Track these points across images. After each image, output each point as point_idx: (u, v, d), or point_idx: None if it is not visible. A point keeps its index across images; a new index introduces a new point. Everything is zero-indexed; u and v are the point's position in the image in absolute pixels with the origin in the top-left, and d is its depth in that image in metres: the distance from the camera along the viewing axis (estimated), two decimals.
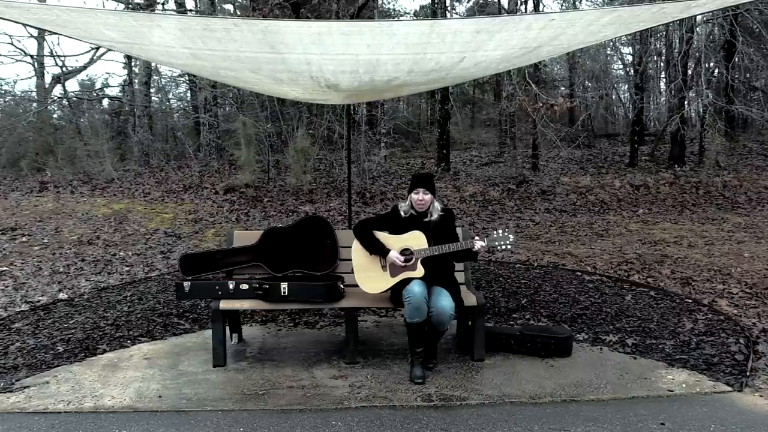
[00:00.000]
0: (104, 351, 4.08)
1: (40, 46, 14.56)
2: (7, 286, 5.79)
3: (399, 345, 4.11)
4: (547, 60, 14.27)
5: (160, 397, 3.33)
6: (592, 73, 14.73)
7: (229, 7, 17.40)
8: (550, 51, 3.72)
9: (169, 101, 17.36)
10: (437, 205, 3.78)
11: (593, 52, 13.93)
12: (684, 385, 3.40)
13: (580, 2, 16.03)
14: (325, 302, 3.80)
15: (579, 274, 6.01)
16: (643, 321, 4.53)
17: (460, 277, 4.01)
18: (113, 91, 16.39)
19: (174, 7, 13.29)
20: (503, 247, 3.62)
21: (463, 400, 3.26)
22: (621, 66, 17.89)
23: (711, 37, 12.93)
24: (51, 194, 10.77)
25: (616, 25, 3.30)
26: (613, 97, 17.65)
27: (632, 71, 14.91)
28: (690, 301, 5.01)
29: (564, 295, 5.28)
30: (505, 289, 5.52)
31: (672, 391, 3.33)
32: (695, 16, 9.96)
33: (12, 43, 16.66)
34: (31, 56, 14.41)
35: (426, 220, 3.73)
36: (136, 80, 14.63)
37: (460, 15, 18.06)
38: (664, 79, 16.48)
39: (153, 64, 14.11)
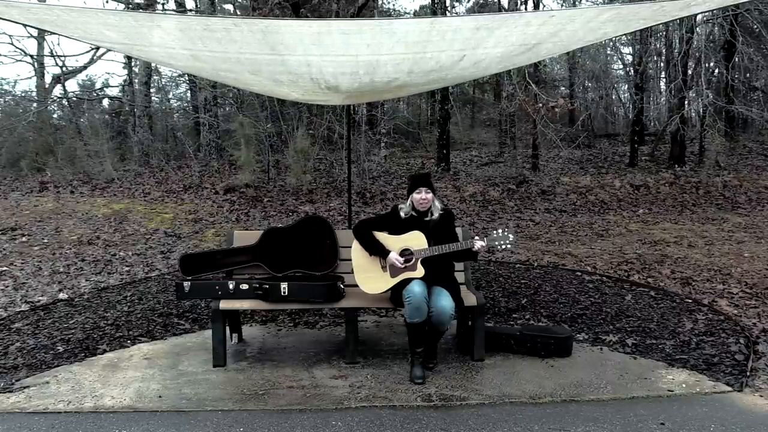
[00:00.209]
0: (104, 351, 4.08)
1: (40, 46, 14.57)
2: (7, 286, 5.79)
3: (399, 345, 4.11)
4: (547, 60, 14.26)
5: (160, 397, 3.33)
6: (592, 73, 14.73)
7: (229, 7, 17.40)
8: (550, 48, 3.72)
9: (169, 101, 17.38)
10: (438, 204, 3.78)
11: (593, 52, 13.93)
12: (684, 385, 3.40)
13: (580, 2, 16.03)
14: (325, 302, 3.80)
15: (579, 274, 6.01)
16: (643, 321, 4.53)
17: (460, 277, 4.01)
18: (113, 91, 16.43)
19: (174, 7, 13.29)
20: (503, 247, 3.63)
21: (463, 400, 3.26)
22: (621, 66, 17.92)
23: (711, 37, 12.93)
24: (51, 194, 10.77)
25: (616, 22, 3.30)
26: (613, 97, 17.66)
27: (632, 71, 14.92)
28: (690, 301, 5.01)
29: (564, 295, 5.28)
30: (505, 289, 5.52)
31: (672, 391, 3.33)
32: (695, 16, 9.98)
33: (12, 43, 16.73)
34: (31, 56, 14.42)
35: (426, 219, 3.73)
36: (136, 80, 14.63)
37: (460, 15, 18.05)
38: (664, 79, 16.50)
39: (153, 64, 14.12)
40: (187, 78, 14.92)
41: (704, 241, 7.55)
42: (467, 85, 19.18)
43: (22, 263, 6.69)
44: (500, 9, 15.73)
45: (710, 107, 10.44)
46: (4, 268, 6.44)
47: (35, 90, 15.44)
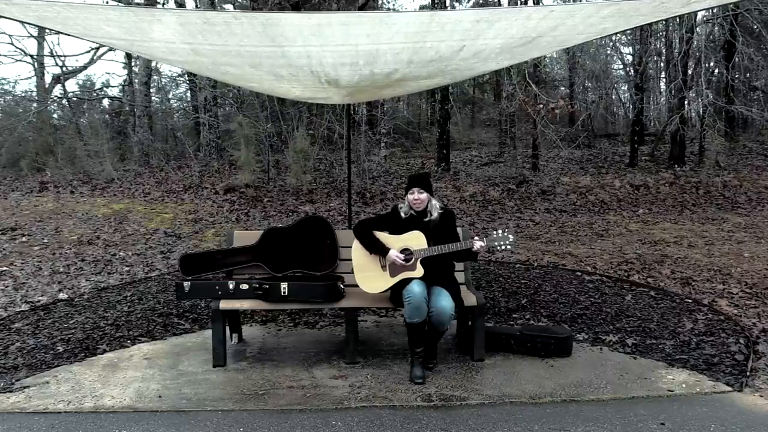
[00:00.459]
0: (104, 351, 4.08)
1: (40, 46, 14.58)
2: (7, 286, 5.79)
3: (399, 345, 4.11)
4: (547, 60, 14.26)
5: (160, 397, 3.33)
6: (592, 73, 14.73)
7: (229, 7, 17.40)
8: (550, 42, 3.72)
9: (169, 101, 17.37)
10: (435, 203, 3.77)
11: (593, 52, 13.94)
12: (684, 385, 3.40)
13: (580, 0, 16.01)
14: (325, 302, 3.80)
15: (579, 274, 6.01)
16: (643, 321, 4.53)
17: (460, 277, 4.01)
18: (113, 91, 16.42)
19: (174, 7, 13.29)
20: (503, 247, 3.63)
21: (463, 400, 3.26)
22: (621, 66, 17.92)
23: (711, 37, 12.93)
24: (51, 194, 10.77)
25: (616, 17, 3.30)
26: (613, 97, 17.65)
27: (632, 71, 14.92)
28: (690, 301, 5.01)
29: (564, 295, 5.28)
30: (505, 289, 5.52)
31: (672, 391, 3.33)
32: (695, 15, 9.98)
33: (12, 43, 16.72)
34: (31, 56, 14.42)
35: (426, 219, 3.73)
36: (136, 80, 14.63)
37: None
38: (664, 79, 16.51)
39: (153, 64, 14.13)
40: (187, 78, 14.91)
41: (704, 241, 7.55)
42: (467, 85, 19.18)
43: (22, 263, 6.69)
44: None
45: (710, 107, 10.44)
46: (4, 268, 6.44)
47: (35, 90, 15.45)
